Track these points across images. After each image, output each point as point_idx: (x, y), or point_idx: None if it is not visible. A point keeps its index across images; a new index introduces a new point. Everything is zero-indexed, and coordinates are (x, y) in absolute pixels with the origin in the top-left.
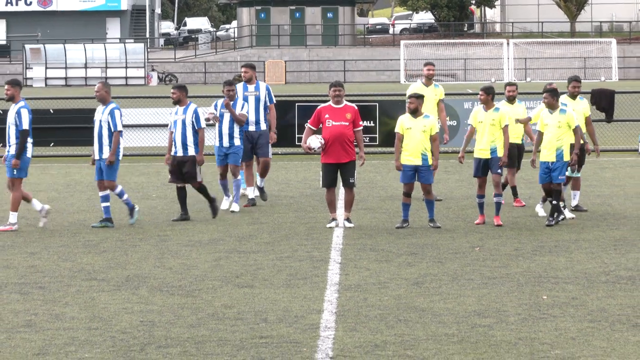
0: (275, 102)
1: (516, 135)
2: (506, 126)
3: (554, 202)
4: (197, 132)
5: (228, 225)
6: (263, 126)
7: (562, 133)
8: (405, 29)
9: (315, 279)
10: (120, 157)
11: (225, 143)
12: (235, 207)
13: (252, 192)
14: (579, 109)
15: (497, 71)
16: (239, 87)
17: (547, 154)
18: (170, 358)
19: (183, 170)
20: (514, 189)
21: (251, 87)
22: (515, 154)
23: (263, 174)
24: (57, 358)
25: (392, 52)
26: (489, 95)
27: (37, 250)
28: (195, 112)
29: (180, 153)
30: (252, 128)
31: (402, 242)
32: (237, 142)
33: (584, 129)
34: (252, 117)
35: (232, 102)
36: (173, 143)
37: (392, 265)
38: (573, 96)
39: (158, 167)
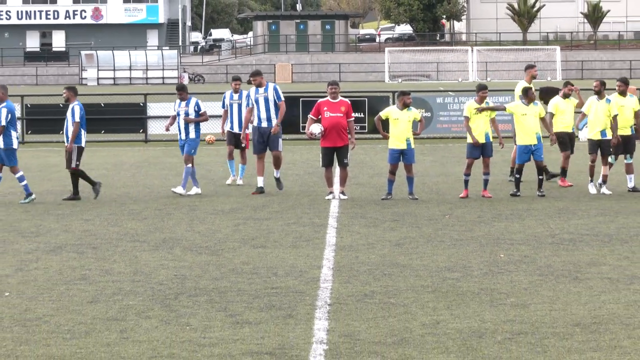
0: (283, 99)
1: (566, 125)
2: (494, 117)
3: (540, 177)
4: (74, 124)
5: (245, 197)
6: (274, 122)
7: (538, 121)
8: (388, 38)
9: (316, 241)
10: (16, 145)
11: (183, 136)
12: (179, 190)
13: (261, 182)
14: (629, 104)
15: (463, 72)
16: (252, 90)
17: (529, 139)
18: (198, 305)
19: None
20: (563, 170)
21: (261, 90)
22: (567, 139)
23: (278, 165)
24: (107, 305)
25: (378, 57)
26: (484, 91)
27: (90, 218)
28: (73, 110)
29: (67, 144)
30: (264, 124)
31: (386, 211)
32: (192, 134)
33: (622, 121)
34: (263, 115)
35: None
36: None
37: (378, 230)
38: (623, 94)
39: None
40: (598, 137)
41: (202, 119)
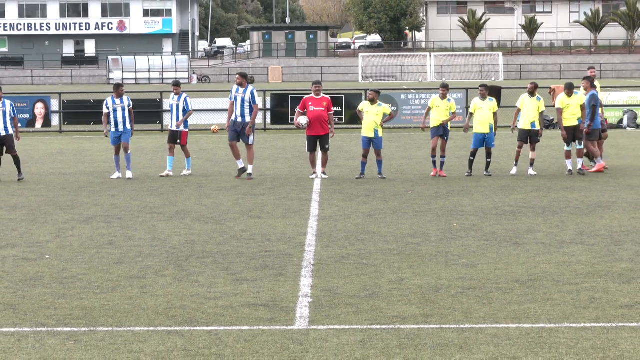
0: (257, 103)
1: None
2: (455, 112)
3: (489, 160)
4: (12, 119)
5: (243, 177)
6: (247, 119)
7: (491, 114)
8: (362, 45)
9: (302, 212)
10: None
11: (120, 128)
12: (129, 174)
13: (240, 164)
14: (574, 102)
15: (422, 74)
16: (234, 88)
17: (482, 128)
18: (206, 265)
19: (6, 145)
20: (588, 156)
21: (241, 90)
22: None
23: (251, 160)
24: (130, 265)
25: (353, 61)
26: (446, 90)
27: (116, 194)
28: (12, 105)
29: (2, 133)
30: (239, 120)
31: (360, 188)
32: (128, 126)
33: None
34: (238, 112)
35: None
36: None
37: (353, 203)
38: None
39: (197, 138)
40: (528, 127)
41: (132, 116)
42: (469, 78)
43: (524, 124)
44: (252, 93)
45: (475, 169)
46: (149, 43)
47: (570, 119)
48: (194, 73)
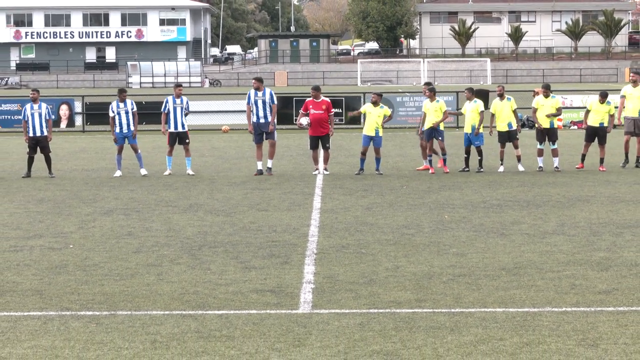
0: (276, 102)
1: (596, 120)
2: (446, 110)
3: (479, 157)
4: (47, 121)
5: (251, 173)
6: (269, 118)
7: (476, 114)
8: (360, 52)
9: (305, 206)
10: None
11: (125, 129)
12: (144, 172)
13: (260, 165)
14: (549, 104)
15: (416, 78)
16: (252, 93)
17: (466, 128)
18: (217, 254)
19: (40, 145)
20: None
21: (260, 94)
22: (592, 132)
23: (271, 156)
24: (147, 254)
25: (352, 66)
26: (433, 93)
27: (134, 188)
28: (47, 108)
29: (38, 134)
30: (261, 121)
31: (359, 183)
32: (132, 127)
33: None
34: (261, 114)
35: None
36: (30, 128)
37: (352, 197)
38: (545, 96)
39: (209, 137)
40: (505, 129)
41: (136, 119)
42: (459, 82)
43: (501, 126)
44: (271, 94)
45: (471, 165)
46: (165, 50)
47: (545, 119)
48: (206, 77)
